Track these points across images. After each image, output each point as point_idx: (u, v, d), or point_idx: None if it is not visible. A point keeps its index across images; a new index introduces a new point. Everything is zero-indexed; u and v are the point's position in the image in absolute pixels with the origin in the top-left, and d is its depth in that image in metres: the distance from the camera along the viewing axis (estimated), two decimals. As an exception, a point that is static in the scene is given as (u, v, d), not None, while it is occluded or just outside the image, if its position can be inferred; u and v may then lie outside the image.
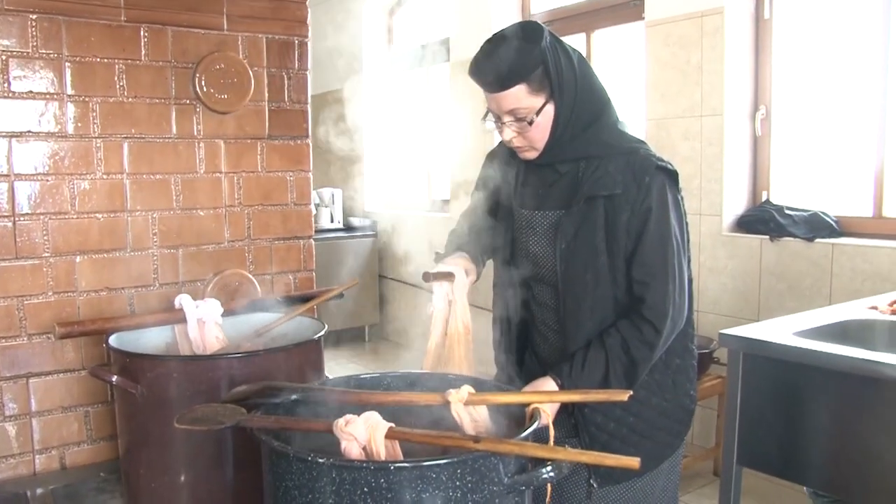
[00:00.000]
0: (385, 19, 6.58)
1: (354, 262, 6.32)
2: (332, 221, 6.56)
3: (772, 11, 3.78)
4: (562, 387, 1.62)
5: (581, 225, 1.68)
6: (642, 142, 1.75)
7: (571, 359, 1.65)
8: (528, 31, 1.66)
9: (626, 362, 1.63)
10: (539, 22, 1.72)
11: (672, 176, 1.71)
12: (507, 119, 1.69)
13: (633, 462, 1.12)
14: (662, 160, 1.70)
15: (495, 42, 1.66)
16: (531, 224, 1.80)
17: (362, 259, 6.41)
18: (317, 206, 6.42)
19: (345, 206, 6.76)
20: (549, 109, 1.67)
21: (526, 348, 1.90)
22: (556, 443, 1.72)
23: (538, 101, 1.66)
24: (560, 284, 1.72)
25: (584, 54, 4.64)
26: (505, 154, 1.89)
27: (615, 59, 4.65)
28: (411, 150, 6.46)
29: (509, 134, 1.71)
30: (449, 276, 1.76)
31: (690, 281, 1.76)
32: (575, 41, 4.73)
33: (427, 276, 1.77)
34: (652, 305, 1.64)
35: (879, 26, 3.37)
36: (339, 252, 6.24)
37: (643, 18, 4.18)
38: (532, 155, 1.75)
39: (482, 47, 1.68)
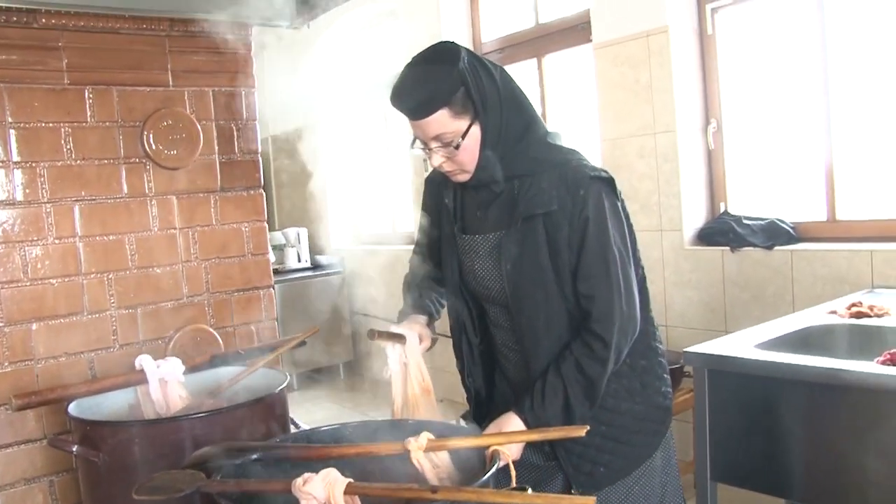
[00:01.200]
0: (340, 58, 6.61)
1: (325, 300, 6.28)
2: (299, 261, 6.52)
3: (714, 27, 3.86)
4: (525, 421, 1.61)
5: (523, 244, 1.67)
6: (574, 151, 1.73)
7: (532, 390, 1.65)
8: (444, 53, 1.62)
9: (584, 382, 1.63)
10: (455, 42, 1.67)
11: (608, 183, 1.69)
12: (433, 145, 1.65)
13: (589, 501, 1.11)
14: (596, 169, 1.68)
15: (413, 68, 1.63)
16: (474, 248, 1.78)
17: (332, 297, 6.37)
18: (283, 246, 6.39)
19: (311, 245, 6.73)
20: (475, 131, 1.64)
21: (494, 370, 1.89)
22: (537, 466, 1.74)
23: (463, 123, 1.62)
24: (511, 305, 1.71)
25: (537, 79, 4.76)
26: (439, 180, 1.86)
27: (567, 82, 4.71)
28: (373, 184, 6.47)
29: (438, 159, 1.67)
30: (400, 338, 1.74)
31: (643, 279, 1.76)
32: (526, 67, 4.79)
33: (372, 334, 1.74)
34: (598, 318, 1.63)
35: (817, 34, 3.46)
36: (308, 292, 6.20)
37: (591, 41, 4.24)
38: (464, 178, 1.71)
39: (400, 74, 1.64)
